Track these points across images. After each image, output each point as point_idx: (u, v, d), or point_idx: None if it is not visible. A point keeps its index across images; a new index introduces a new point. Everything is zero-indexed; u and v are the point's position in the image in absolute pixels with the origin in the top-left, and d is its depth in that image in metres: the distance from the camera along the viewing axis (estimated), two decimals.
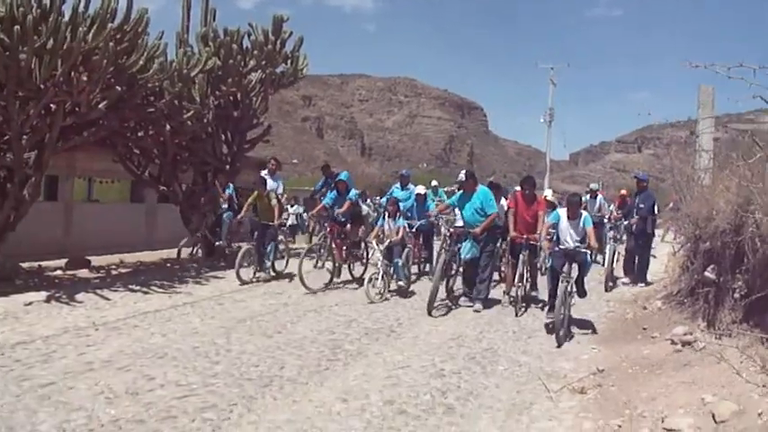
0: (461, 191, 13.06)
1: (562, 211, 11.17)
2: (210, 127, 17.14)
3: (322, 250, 15.50)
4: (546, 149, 66.45)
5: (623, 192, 20.30)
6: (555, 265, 10.52)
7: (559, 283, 10.18)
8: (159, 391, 6.84)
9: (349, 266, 15.18)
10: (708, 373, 6.84)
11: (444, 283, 12.58)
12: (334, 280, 14.54)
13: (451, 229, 12.96)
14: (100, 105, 13.31)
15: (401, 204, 14.94)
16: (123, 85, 13.61)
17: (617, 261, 17.02)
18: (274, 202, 15.01)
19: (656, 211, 16.72)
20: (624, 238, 17.54)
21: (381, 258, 13.24)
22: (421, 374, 7.87)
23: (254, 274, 14.84)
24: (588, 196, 19.93)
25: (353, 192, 15.06)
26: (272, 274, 15.19)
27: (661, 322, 10.35)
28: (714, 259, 9.29)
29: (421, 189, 16.64)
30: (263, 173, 17.15)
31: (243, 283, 14.19)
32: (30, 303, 11.38)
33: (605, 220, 17.90)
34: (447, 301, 12.68)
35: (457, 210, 13.37)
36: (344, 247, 14.70)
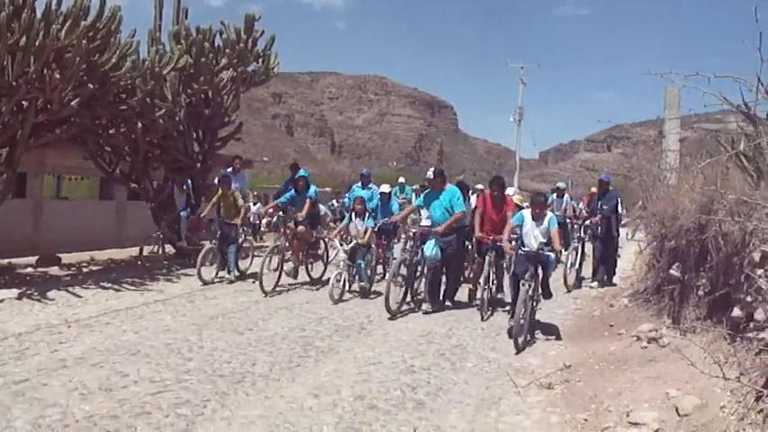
0: (429, 189, 12.74)
1: (526, 212, 10.69)
2: (182, 125, 17.16)
3: (284, 253, 14.41)
4: (515, 148, 66.65)
5: (593, 189, 19.39)
6: (517, 271, 10.19)
7: (521, 288, 9.72)
8: (133, 388, 6.89)
9: (307, 268, 14.83)
10: (672, 369, 6.98)
11: (409, 284, 12.04)
12: (291, 281, 14.21)
13: (414, 229, 12.40)
14: (72, 103, 13.32)
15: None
16: (95, 83, 13.66)
17: (582, 261, 16.59)
18: (241, 201, 14.77)
19: (619, 211, 16.67)
20: (587, 238, 17.01)
21: (344, 259, 12.91)
22: (391, 370, 7.97)
23: (216, 273, 14.59)
24: (554, 195, 19.43)
25: (313, 189, 14.76)
26: (236, 273, 14.79)
27: (627, 319, 10.48)
28: (679, 257, 9.42)
29: (385, 188, 16.18)
30: (228, 171, 17.10)
31: (204, 283, 13.91)
32: (1, 301, 11.41)
33: (567, 220, 17.28)
34: (411, 304, 12.13)
35: (423, 210, 12.91)
36: (302, 249, 14.45)
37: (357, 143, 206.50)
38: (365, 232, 13.29)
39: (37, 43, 12.09)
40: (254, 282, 13.97)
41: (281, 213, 15.12)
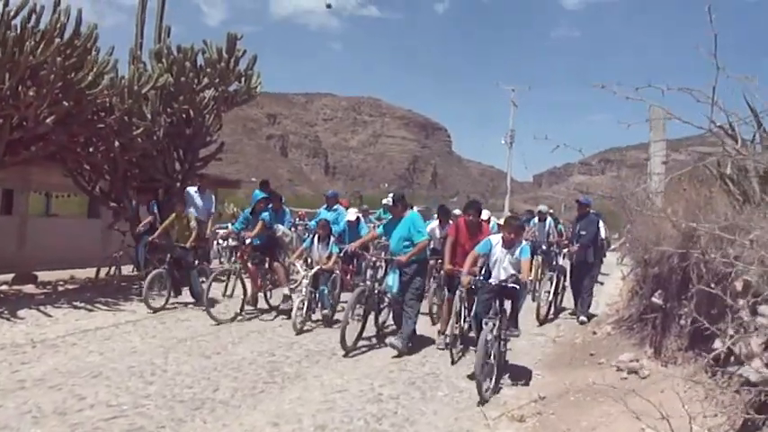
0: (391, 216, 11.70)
1: (495, 238, 9.52)
2: (162, 144, 16.99)
3: (233, 276, 13.28)
4: (507, 170, 66.75)
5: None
6: (479, 310, 9.05)
7: (483, 328, 8.52)
8: (88, 412, 6.75)
9: (265, 294, 13.92)
10: (651, 403, 6.85)
11: (372, 317, 11.24)
12: (248, 308, 13.31)
13: (374, 259, 11.62)
14: (47, 120, 13.22)
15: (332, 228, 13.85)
16: (71, 101, 13.54)
17: (562, 292, 15.39)
18: (193, 223, 14.04)
19: (602, 237, 15.87)
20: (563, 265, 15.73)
21: (307, 285, 12.01)
22: (358, 399, 7.81)
23: (168, 300, 13.61)
24: (536, 219, 18.12)
25: (266, 213, 13.73)
26: (192, 300, 14.04)
27: (609, 348, 10.30)
28: (661, 284, 9.28)
29: (352, 215, 14.87)
30: (192, 190, 16.73)
31: (154, 310, 13.01)
32: None
33: (543, 246, 16.51)
34: (375, 338, 11.26)
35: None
36: (258, 274, 13.61)
37: (351, 164, 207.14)
38: (329, 257, 12.62)
39: (12, 60, 11.99)
40: (214, 306, 12.84)
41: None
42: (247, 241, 13.16)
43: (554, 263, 15.77)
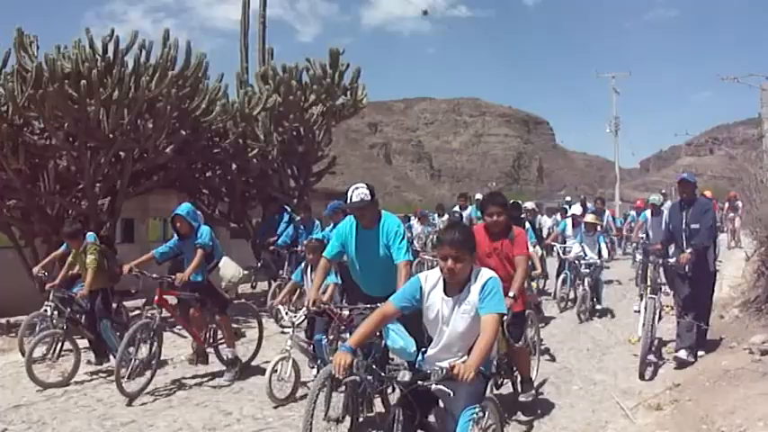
0: (355, 227, 7.06)
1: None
2: (276, 163, 17.42)
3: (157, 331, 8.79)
4: (614, 159, 65.51)
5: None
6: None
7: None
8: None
9: (216, 350, 9.46)
10: None
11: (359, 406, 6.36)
12: (199, 367, 9.61)
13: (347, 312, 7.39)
14: (167, 150, 13.81)
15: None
16: (188, 129, 14.10)
17: (658, 320, 9.71)
18: (90, 259, 9.69)
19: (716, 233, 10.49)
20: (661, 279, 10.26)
21: (293, 336, 7.73)
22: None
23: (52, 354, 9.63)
24: (648, 213, 14.56)
25: (206, 232, 9.19)
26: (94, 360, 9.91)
27: (739, 331, 10.00)
28: None
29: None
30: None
31: (37, 383, 8.69)
32: None
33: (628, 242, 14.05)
34: None
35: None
36: (203, 324, 9.35)
37: (456, 166, 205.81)
38: (324, 292, 8.15)
39: (129, 96, 12.54)
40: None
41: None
42: (177, 282, 8.86)
43: (640, 271, 12.86)
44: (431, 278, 4.83)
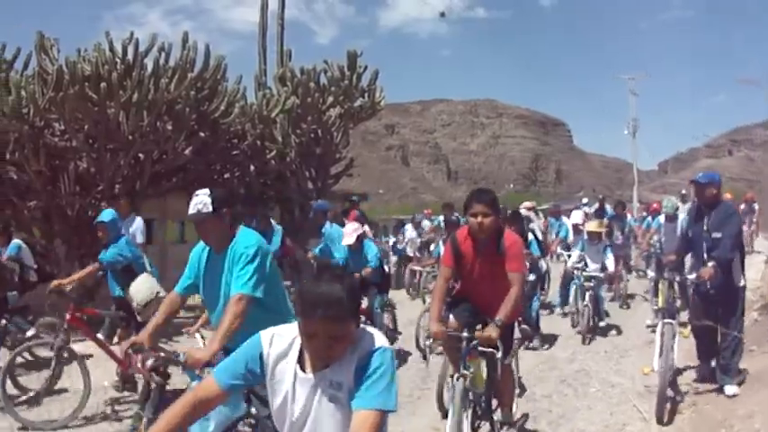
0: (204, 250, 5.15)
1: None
2: (294, 164, 17.50)
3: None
4: (633, 160, 65.28)
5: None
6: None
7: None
8: None
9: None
10: None
11: None
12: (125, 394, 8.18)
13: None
14: (185, 151, 13.90)
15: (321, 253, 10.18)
16: (206, 131, 14.20)
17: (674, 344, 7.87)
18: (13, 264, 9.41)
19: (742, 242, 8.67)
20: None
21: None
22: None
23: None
24: (662, 218, 13.18)
25: (124, 245, 8.03)
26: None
27: (758, 334, 9.88)
28: None
29: (350, 236, 9.43)
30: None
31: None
32: None
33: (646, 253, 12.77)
34: None
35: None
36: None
37: (473, 168, 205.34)
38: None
39: (149, 98, 12.61)
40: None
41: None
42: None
43: (654, 283, 11.46)
44: (279, 341, 2.87)
